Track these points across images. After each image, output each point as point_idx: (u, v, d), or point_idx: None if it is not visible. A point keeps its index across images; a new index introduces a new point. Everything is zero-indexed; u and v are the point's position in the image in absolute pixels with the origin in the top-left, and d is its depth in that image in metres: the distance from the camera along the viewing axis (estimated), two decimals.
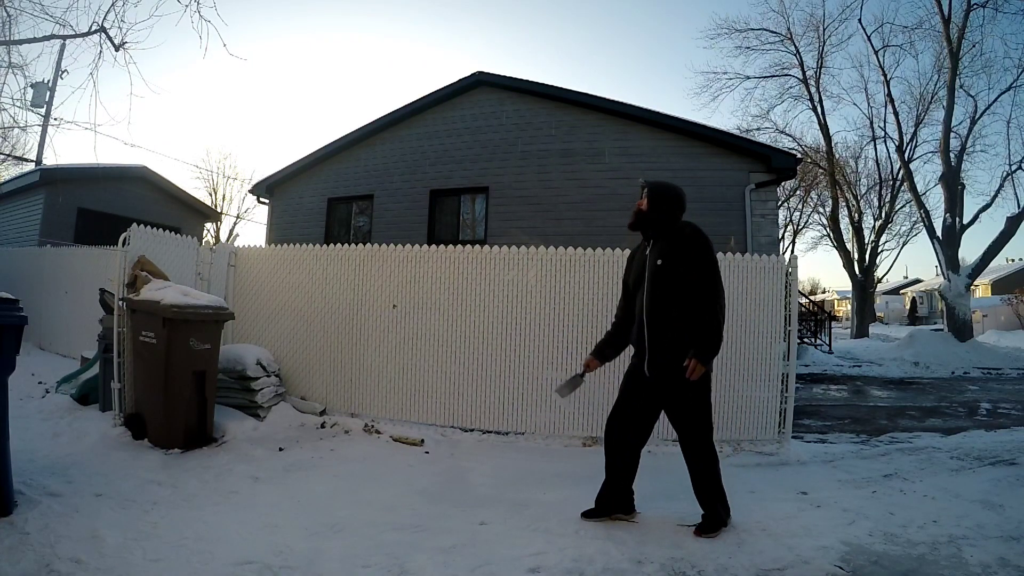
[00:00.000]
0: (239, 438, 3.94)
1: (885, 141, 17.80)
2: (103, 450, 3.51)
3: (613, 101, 8.35)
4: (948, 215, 13.30)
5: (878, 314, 31.42)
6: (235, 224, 27.47)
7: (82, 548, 2.18)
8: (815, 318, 15.38)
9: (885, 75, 15.65)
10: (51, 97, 12.68)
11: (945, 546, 2.42)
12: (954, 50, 13.20)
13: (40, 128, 12.47)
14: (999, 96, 13.68)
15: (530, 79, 8.77)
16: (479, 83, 8.98)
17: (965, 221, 13.51)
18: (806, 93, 17.60)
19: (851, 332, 20.88)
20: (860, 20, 16.86)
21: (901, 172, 17.20)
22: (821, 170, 20.04)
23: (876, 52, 15.75)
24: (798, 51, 17.40)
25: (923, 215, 14.32)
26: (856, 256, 20.63)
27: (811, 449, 4.26)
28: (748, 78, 18.33)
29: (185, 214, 13.15)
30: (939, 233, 13.44)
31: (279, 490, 3.05)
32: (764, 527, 2.61)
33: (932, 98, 16.14)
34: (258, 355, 4.59)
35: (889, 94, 15.73)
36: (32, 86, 11.53)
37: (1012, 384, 8.75)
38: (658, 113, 8.18)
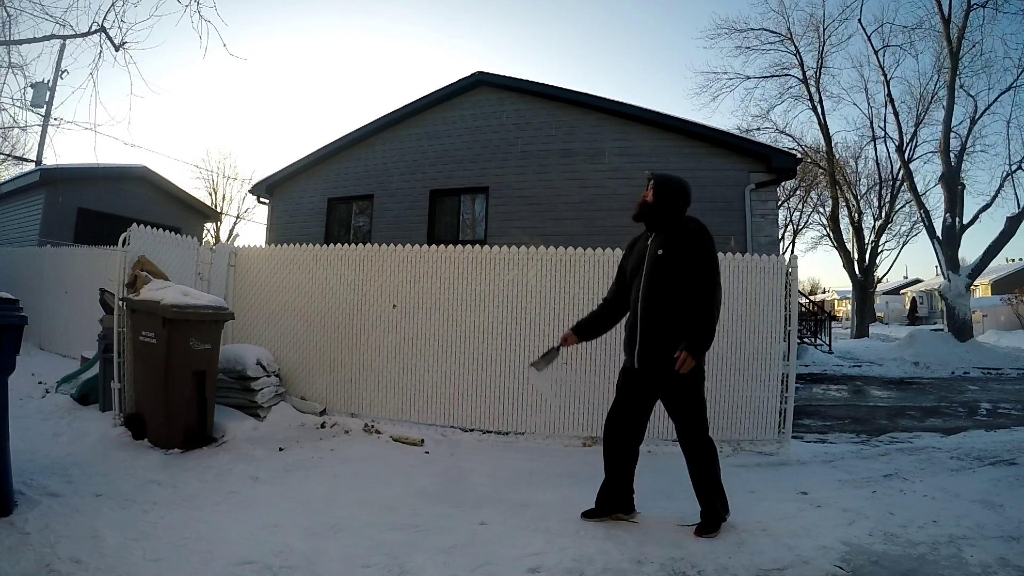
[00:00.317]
0: (239, 438, 3.94)
1: (885, 141, 17.82)
2: (103, 450, 3.51)
3: (613, 101, 8.35)
4: (948, 215, 13.30)
5: (878, 314, 31.43)
6: (235, 224, 27.50)
7: (82, 548, 2.18)
8: (815, 318, 15.38)
9: (885, 75, 15.67)
10: (51, 97, 12.68)
11: (945, 546, 2.42)
12: (954, 50, 13.20)
13: (40, 128, 12.48)
14: (999, 96, 13.71)
15: (530, 79, 8.79)
16: (479, 83, 8.98)
17: (965, 221, 13.53)
18: (806, 93, 17.61)
19: (851, 332, 20.88)
20: (860, 20, 16.89)
21: (901, 172, 17.21)
22: (821, 170, 20.04)
23: (876, 52, 15.77)
24: (798, 51, 17.42)
25: (923, 215, 14.33)
26: (856, 256, 20.63)
27: (811, 449, 4.26)
28: (748, 78, 18.34)
29: (185, 214, 13.15)
30: (939, 233, 13.44)
31: (279, 490, 3.05)
32: (764, 527, 2.61)
33: (932, 98, 16.17)
34: (258, 355, 4.59)
35: (889, 94, 15.75)
36: (32, 86, 11.52)
37: (1012, 384, 8.75)
38: (658, 113, 8.18)
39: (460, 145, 9.01)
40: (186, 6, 5.02)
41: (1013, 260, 31.56)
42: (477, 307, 4.49)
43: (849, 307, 27.27)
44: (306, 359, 4.88)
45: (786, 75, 17.99)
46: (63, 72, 12.45)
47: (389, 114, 9.51)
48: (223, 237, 25.76)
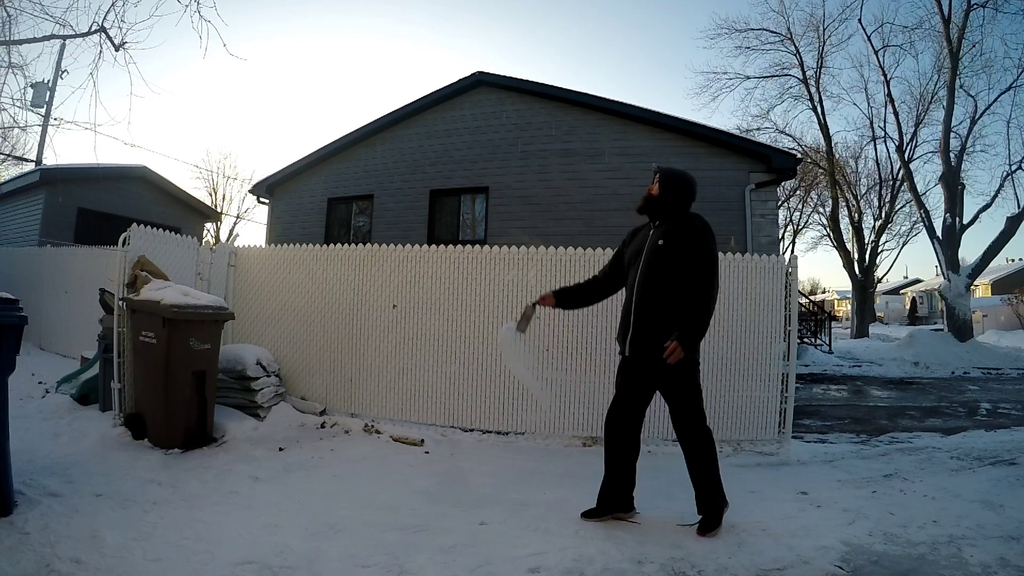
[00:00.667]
0: (239, 438, 3.94)
1: (885, 141, 17.84)
2: (103, 450, 3.51)
3: (613, 101, 8.35)
4: (948, 215, 13.30)
5: (878, 314, 31.43)
6: (235, 224, 27.51)
7: (82, 548, 2.18)
8: (815, 318, 15.37)
9: (885, 75, 15.67)
10: (51, 97, 12.69)
11: (945, 546, 2.42)
12: (954, 50, 13.20)
13: (40, 128, 12.49)
14: (999, 96, 13.71)
15: (530, 79, 8.79)
16: (479, 83, 8.98)
17: (965, 221, 13.53)
18: (806, 93, 17.62)
19: (851, 332, 20.89)
20: (860, 20, 16.91)
21: (901, 172, 17.22)
22: (821, 170, 20.05)
23: (876, 52, 15.77)
24: (798, 51, 17.43)
25: (923, 215, 14.33)
26: (856, 256, 20.64)
27: (811, 449, 4.26)
28: (748, 78, 18.36)
29: (185, 214, 13.15)
30: (939, 233, 13.44)
31: (279, 490, 3.05)
32: (764, 527, 2.61)
33: (932, 98, 16.17)
34: (258, 355, 4.59)
35: (889, 94, 15.75)
36: (32, 86, 11.53)
37: (1012, 384, 8.75)
38: (658, 113, 8.18)
39: (460, 145, 9.01)
40: (186, 6, 5.03)
41: (1013, 260, 31.56)
42: (477, 307, 4.50)
43: (849, 307, 27.28)
44: (306, 359, 4.88)
45: (786, 75, 18.02)
46: (63, 72, 12.48)
47: (389, 114, 9.51)
48: (223, 237, 25.77)
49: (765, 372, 4.19)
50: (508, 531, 2.57)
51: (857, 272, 20.36)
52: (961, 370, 10.34)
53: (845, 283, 27.69)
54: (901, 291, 39.81)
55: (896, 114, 15.61)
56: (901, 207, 22.63)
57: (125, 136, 31.27)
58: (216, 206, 25.24)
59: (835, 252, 21.62)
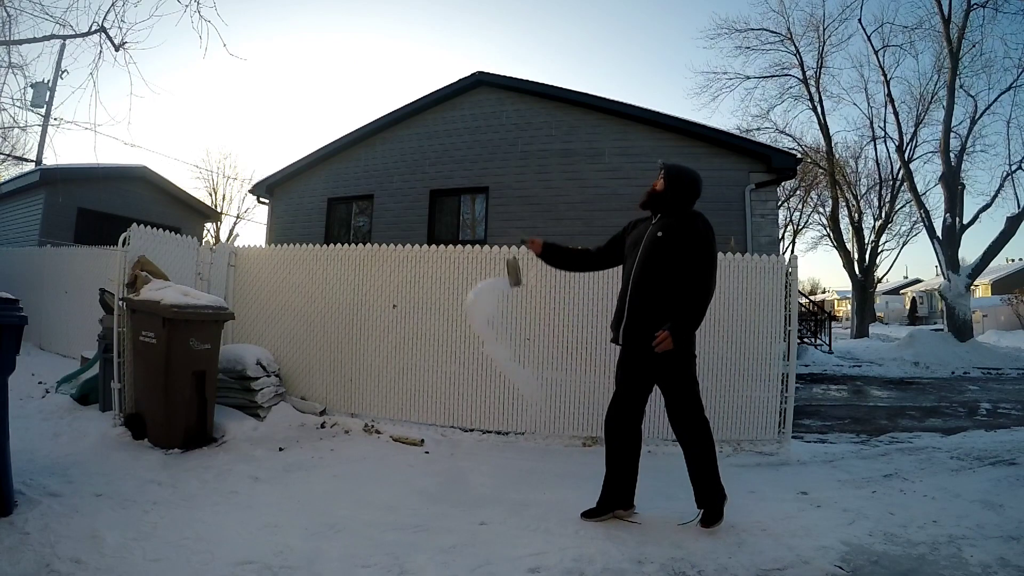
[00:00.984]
0: (239, 438, 3.94)
1: (885, 141, 17.83)
2: (103, 450, 3.51)
3: (613, 101, 8.35)
4: (948, 215, 13.30)
5: (878, 314, 31.43)
6: (235, 224, 27.50)
7: (82, 548, 2.18)
8: (815, 318, 15.37)
9: (885, 75, 15.68)
10: (51, 97, 12.69)
11: (945, 546, 2.42)
12: (954, 50, 13.20)
13: (40, 128, 12.49)
14: (999, 96, 13.70)
15: (530, 79, 8.79)
16: (479, 83, 8.98)
17: (965, 221, 13.53)
18: (806, 93, 17.62)
19: (851, 332, 20.89)
20: (860, 20, 16.89)
21: (901, 172, 17.22)
22: (821, 170, 20.05)
23: (876, 52, 15.78)
24: (798, 51, 17.43)
25: (923, 215, 14.33)
26: (856, 256, 20.64)
27: (811, 449, 4.26)
28: (748, 78, 18.36)
29: (185, 214, 13.15)
30: (939, 233, 13.44)
31: (279, 490, 3.05)
32: (764, 527, 2.61)
33: (932, 98, 16.16)
34: (258, 355, 4.59)
35: (889, 94, 15.75)
36: (32, 86, 11.53)
37: (1012, 384, 8.75)
38: (658, 113, 8.18)
39: (460, 145, 9.01)
40: (186, 6, 5.03)
41: (1013, 260, 31.56)
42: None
43: (849, 307, 27.27)
44: (306, 359, 4.88)
45: (786, 75, 18.02)
46: (63, 72, 12.47)
47: (389, 114, 9.51)
48: (223, 237, 25.77)
49: (765, 372, 4.19)
50: (508, 531, 2.57)
51: (857, 272, 20.36)
52: (961, 370, 10.34)
53: (845, 283, 27.73)
54: (901, 291, 39.81)
55: (896, 114, 15.63)
56: (901, 207, 22.66)
57: (125, 136, 31.26)
58: (216, 206, 25.25)
59: (835, 252, 21.64)
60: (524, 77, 9.71)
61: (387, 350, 4.65)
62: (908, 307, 33.52)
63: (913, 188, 15.08)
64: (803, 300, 15.56)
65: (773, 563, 2.26)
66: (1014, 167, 13.41)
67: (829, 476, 3.55)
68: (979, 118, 13.94)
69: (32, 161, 13.03)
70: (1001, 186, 13.86)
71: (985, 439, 4.57)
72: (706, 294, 2.54)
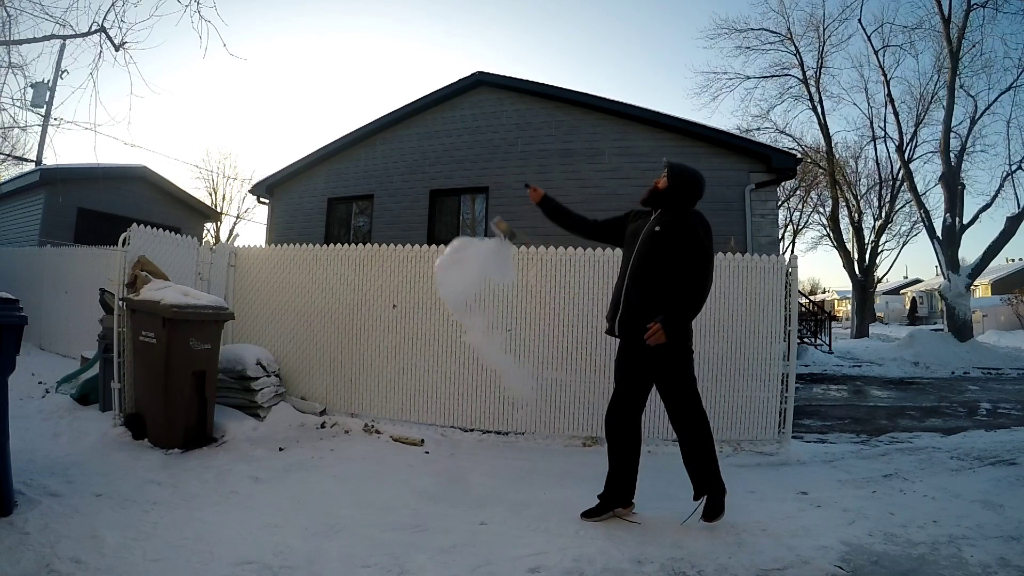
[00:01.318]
0: (239, 438, 3.94)
1: (885, 141, 17.82)
2: (103, 450, 3.51)
3: (613, 101, 8.35)
4: (948, 215, 13.30)
5: (878, 314, 31.42)
6: (235, 224, 27.49)
7: (82, 548, 2.18)
8: (815, 318, 15.38)
9: (885, 75, 15.67)
10: (51, 97, 12.68)
11: (945, 546, 2.42)
12: (954, 50, 13.20)
13: (40, 128, 12.48)
14: (999, 96, 13.70)
15: (530, 79, 8.79)
16: (479, 83, 8.98)
17: (965, 221, 13.52)
18: (806, 93, 17.62)
19: (851, 332, 20.89)
20: (860, 20, 16.88)
21: (901, 172, 17.22)
22: (821, 170, 20.05)
23: (876, 52, 15.77)
24: (798, 51, 17.42)
25: (923, 215, 14.33)
26: (856, 256, 20.64)
27: (811, 449, 4.26)
28: (748, 78, 18.35)
29: (185, 214, 13.15)
30: (939, 233, 13.44)
31: (279, 490, 3.05)
32: (764, 527, 2.61)
33: (932, 98, 16.16)
34: (258, 355, 4.59)
35: (889, 94, 15.75)
36: (32, 86, 11.52)
37: (1012, 384, 8.75)
38: (658, 113, 8.18)
39: (460, 145, 9.01)
40: (186, 6, 5.04)
41: (1013, 260, 31.56)
42: (477, 307, 4.48)
43: (849, 307, 27.28)
44: (306, 359, 4.88)
45: (786, 75, 18.02)
46: (63, 72, 12.47)
47: (389, 114, 9.51)
48: (223, 237, 25.76)
49: (765, 372, 4.19)
50: (508, 531, 2.56)
51: (857, 272, 20.36)
52: (961, 370, 10.34)
53: (845, 283, 27.73)
54: (901, 291, 39.81)
55: (896, 114, 15.63)
56: (901, 207, 22.66)
57: (125, 136, 31.27)
58: (216, 206, 25.24)
59: (835, 252, 21.66)
60: (524, 77, 9.72)
61: (387, 350, 4.64)
62: (908, 307, 33.52)
63: (913, 188, 15.08)
64: (803, 300, 15.56)
65: (773, 563, 2.26)
66: (1014, 167, 13.43)
67: (829, 476, 3.55)
68: (979, 118, 13.96)
69: (32, 161, 13.03)
70: (1001, 186, 13.88)
71: (985, 439, 4.57)
72: (700, 290, 2.56)
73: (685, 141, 8.00)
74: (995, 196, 14.11)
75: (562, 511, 2.76)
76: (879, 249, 22.55)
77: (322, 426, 4.48)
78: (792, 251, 23.58)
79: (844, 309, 37.78)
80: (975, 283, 17.19)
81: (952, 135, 13.53)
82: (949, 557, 2.32)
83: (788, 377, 4.19)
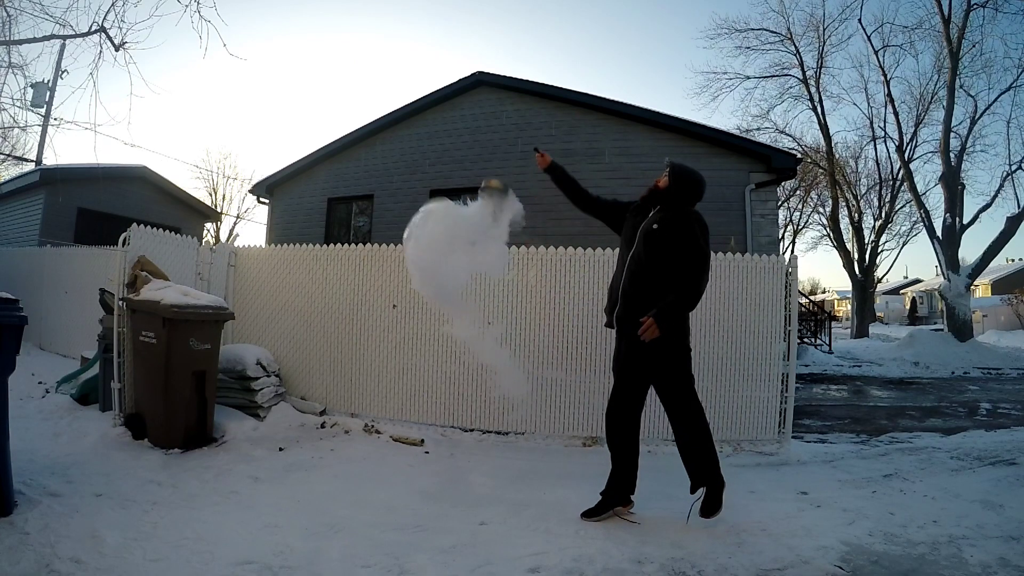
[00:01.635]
0: (239, 438, 3.94)
1: (885, 141, 17.82)
2: (103, 450, 3.51)
3: (613, 101, 8.35)
4: (948, 215, 13.30)
5: (878, 314, 31.43)
6: (235, 224, 27.48)
7: (82, 548, 2.18)
8: (815, 318, 15.38)
9: (885, 75, 15.68)
10: (51, 97, 12.67)
11: (945, 546, 2.43)
12: (954, 50, 13.20)
13: (40, 128, 12.48)
14: (999, 96, 13.70)
15: (530, 79, 8.78)
16: (479, 83, 8.98)
17: (965, 221, 13.53)
18: (806, 93, 17.62)
19: (851, 332, 20.90)
20: (860, 20, 16.88)
21: (901, 172, 17.22)
22: (821, 170, 20.04)
23: (876, 52, 15.78)
24: (798, 51, 17.42)
25: (923, 215, 14.34)
26: (856, 256, 20.64)
27: (811, 449, 4.26)
28: (748, 78, 18.35)
29: (185, 214, 13.15)
30: (939, 233, 13.45)
31: (279, 490, 3.05)
32: (764, 527, 2.61)
33: (932, 98, 16.15)
34: (258, 355, 4.59)
35: (889, 94, 15.75)
36: (32, 86, 11.50)
37: (1012, 384, 8.75)
38: (658, 113, 8.17)
39: (460, 145, 9.01)
40: (186, 6, 5.04)
41: (1013, 260, 31.55)
42: (477, 307, 4.49)
43: (849, 307, 27.27)
44: (306, 359, 4.88)
45: (786, 75, 18.01)
46: (63, 72, 12.44)
47: (389, 114, 9.50)
48: (223, 237, 25.76)
49: (765, 372, 4.19)
50: (508, 531, 2.57)
51: (857, 272, 20.36)
52: (961, 370, 10.34)
53: (845, 283, 27.71)
54: (901, 291, 39.81)
55: (896, 114, 15.64)
56: (901, 207, 22.64)
57: (125, 136, 31.18)
58: (216, 206, 25.24)
59: (835, 252, 21.64)
60: (524, 77, 9.72)
61: (387, 350, 4.64)
62: (908, 307, 33.53)
63: (913, 188, 15.08)
64: (803, 300, 15.56)
65: (773, 563, 2.26)
66: (1014, 167, 13.43)
67: (829, 476, 3.55)
68: (979, 118, 13.96)
69: (32, 161, 13.03)
70: (1001, 186, 13.88)
71: (985, 439, 4.57)
72: (695, 287, 2.58)
73: (685, 141, 7.99)
74: (995, 196, 14.14)
75: (562, 511, 2.76)
76: (879, 249, 22.58)
77: (322, 426, 4.48)
78: (792, 251, 23.59)
79: (844, 309, 37.79)
80: (975, 283, 17.19)
81: (952, 135, 13.54)
82: (949, 557, 2.33)
83: (788, 377, 4.19)
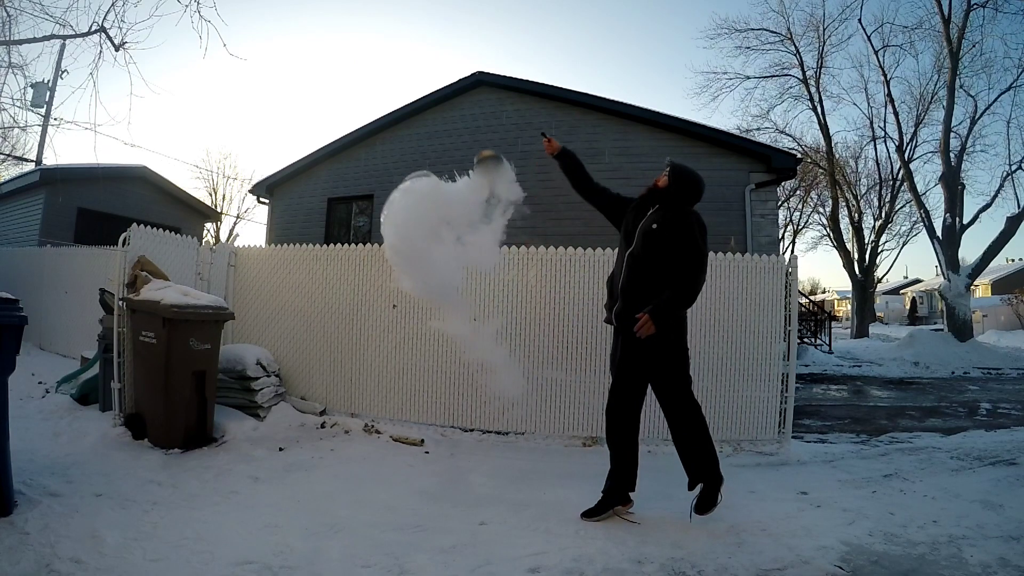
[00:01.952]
0: (239, 438, 3.94)
1: (885, 141, 17.83)
2: (103, 450, 3.51)
3: (613, 101, 8.34)
4: (948, 215, 13.30)
5: (878, 314, 31.43)
6: (235, 224, 27.48)
7: (82, 548, 2.18)
8: (815, 318, 15.38)
9: (885, 75, 15.69)
10: (51, 97, 12.67)
11: (945, 546, 2.43)
12: (954, 50, 13.20)
13: (40, 128, 12.48)
14: (999, 96, 13.70)
15: (530, 79, 8.78)
16: (479, 83, 8.98)
17: (965, 221, 13.53)
18: (806, 93, 17.62)
19: (851, 332, 20.89)
20: (860, 20, 16.90)
21: (901, 172, 17.22)
22: (821, 170, 20.04)
23: (876, 52, 15.79)
24: (798, 51, 17.43)
25: (923, 215, 14.34)
26: (856, 256, 20.64)
27: (811, 449, 4.26)
28: (748, 78, 18.35)
29: (185, 214, 13.15)
30: (939, 233, 13.45)
31: (279, 490, 3.05)
32: (764, 527, 2.61)
33: (932, 98, 16.15)
34: (258, 355, 4.59)
35: (889, 94, 15.75)
36: (32, 86, 11.51)
37: (1012, 384, 8.75)
38: (658, 113, 8.17)
39: (460, 145, 9.00)
40: (186, 6, 5.04)
41: (1013, 260, 31.55)
42: (477, 307, 4.49)
43: (849, 307, 27.27)
44: (306, 359, 4.88)
45: (786, 75, 18.02)
46: (63, 72, 12.45)
47: (389, 114, 9.50)
48: (223, 237, 25.76)
49: (765, 372, 4.19)
50: (508, 531, 2.57)
51: (857, 272, 20.36)
52: (961, 370, 10.34)
53: (845, 283, 27.71)
54: (901, 291, 39.81)
55: (896, 114, 15.64)
56: (901, 207, 22.64)
57: (125, 136, 31.18)
58: (216, 206, 25.24)
59: (835, 252, 21.65)
60: (524, 77, 9.72)
61: (387, 350, 4.64)
62: (908, 307, 33.53)
63: (913, 188, 15.09)
64: (803, 300, 15.56)
65: (773, 563, 2.26)
66: (1014, 167, 13.44)
67: (829, 476, 3.55)
68: (979, 118, 13.96)
69: (32, 161, 13.02)
70: (1001, 186, 13.88)
71: (985, 439, 4.58)
72: (692, 286, 2.60)
73: (685, 141, 7.99)
74: (995, 196, 14.14)
75: (562, 511, 2.76)
76: (879, 249, 22.57)
77: (322, 426, 4.48)
78: (792, 251, 23.59)
79: (844, 309, 37.78)
80: (975, 283, 17.19)
81: (952, 135, 13.55)
82: (949, 557, 2.33)
83: (788, 377, 4.19)
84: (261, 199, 10.87)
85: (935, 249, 13.54)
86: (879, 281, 27.36)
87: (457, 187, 3.02)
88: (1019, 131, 21.73)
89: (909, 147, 16.30)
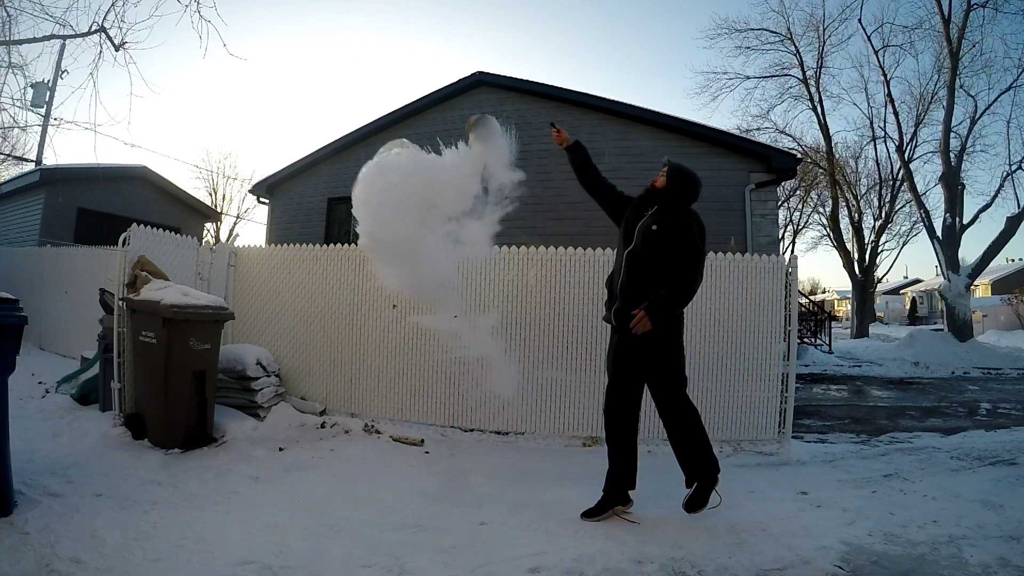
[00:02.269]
0: (239, 438, 3.94)
1: (885, 141, 17.83)
2: (103, 450, 3.51)
3: (613, 101, 8.34)
4: (948, 215, 13.30)
5: (878, 314, 31.43)
6: (235, 224, 27.47)
7: (82, 548, 2.18)
8: (815, 318, 15.38)
9: (885, 75, 15.68)
10: (51, 97, 12.67)
11: (945, 546, 2.43)
12: (954, 50, 13.20)
13: (40, 128, 12.47)
14: (999, 96, 13.70)
15: (530, 79, 8.77)
16: (479, 83, 8.98)
17: (965, 221, 13.53)
18: (806, 93, 17.61)
19: (851, 332, 20.89)
20: (860, 20, 16.88)
21: (901, 172, 17.22)
22: (821, 170, 20.04)
23: (876, 52, 15.78)
24: (798, 51, 17.42)
25: (923, 215, 14.34)
26: (856, 256, 20.63)
27: (811, 449, 4.26)
28: (748, 78, 18.35)
29: (185, 214, 13.14)
30: (939, 233, 13.45)
31: (279, 490, 3.05)
32: (764, 527, 2.61)
33: (932, 98, 16.14)
34: (258, 355, 4.59)
35: (889, 94, 15.75)
36: (32, 86, 11.50)
37: (1012, 384, 8.75)
38: (658, 113, 8.17)
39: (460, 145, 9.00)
40: (186, 6, 5.04)
41: (1013, 260, 31.55)
42: (477, 307, 4.49)
43: (849, 307, 27.26)
44: (306, 359, 4.88)
45: (786, 75, 18.01)
46: (63, 72, 12.44)
47: (389, 114, 9.50)
48: (223, 237, 25.75)
49: (765, 372, 4.18)
50: (508, 531, 2.57)
51: (857, 272, 20.36)
52: (961, 370, 10.34)
53: (845, 283, 27.70)
54: (901, 291, 39.81)
55: (896, 114, 15.64)
56: (901, 207, 22.63)
57: (125, 136, 31.13)
58: (216, 206, 25.23)
59: (835, 252, 21.65)
60: (524, 77, 9.72)
61: (387, 350, 4.64)
62: (908, 307, 33.53)
63: (913, 188, 15.09)
64: (803, 300, 15.56)
65: (773, 563, 2.26)
66: (1014, 167, 13.44)
67: (829, 476, 3.55)
68: (979, 118, 13.96)
69: (32, 161, 13.02)
70: (1001, 186, 13.88)
71: (985, 439, 4.58)
72: (689, 285, 2.61)
73: (685, 141, 7.99)
74: (995, 196, 14.14)
75: (562, 511, 2.76)
76: (879, 249, 22.56)
77: (322, 426, 4.48)
78: (792, 251, 23.58)
79: (844, 309, 37.78)
80: (975, 283, 17.19)
81: (952, 135, 13.55)
82: (949, 557, 2.33)
83: (788, 377, 4.19)
84: (261, 199, 10.86)
85: (935, 249, 13.54)
86: (879, 281, 27.36)
87: (443, 162, 2.86)
88: (1019, 131, 21.60)
89: (909, 147, 16.32)
